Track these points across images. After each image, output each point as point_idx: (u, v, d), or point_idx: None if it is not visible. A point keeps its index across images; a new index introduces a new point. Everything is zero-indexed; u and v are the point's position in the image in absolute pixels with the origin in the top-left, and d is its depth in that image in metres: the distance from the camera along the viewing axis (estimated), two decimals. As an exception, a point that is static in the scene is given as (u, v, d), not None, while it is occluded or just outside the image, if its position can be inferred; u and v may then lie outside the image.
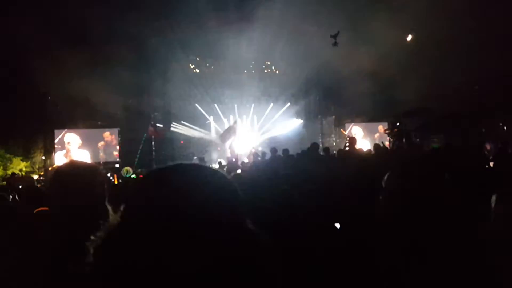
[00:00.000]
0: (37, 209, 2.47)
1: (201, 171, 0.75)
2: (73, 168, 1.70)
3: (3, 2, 16.49)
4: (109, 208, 1.66)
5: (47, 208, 2.08)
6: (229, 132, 18.16)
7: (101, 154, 19.72)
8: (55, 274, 1.41)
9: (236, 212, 0.73)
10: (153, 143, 21.03)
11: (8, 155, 17.70)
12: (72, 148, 19.49)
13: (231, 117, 22.18)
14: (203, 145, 22.11)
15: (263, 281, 0.69)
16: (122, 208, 0.74)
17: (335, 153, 11.37)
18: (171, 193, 0.69)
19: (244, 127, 22.03)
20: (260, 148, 16.67)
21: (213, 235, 0.66)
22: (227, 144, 17.62)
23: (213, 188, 0.72)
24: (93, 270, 0.70)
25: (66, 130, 19.81)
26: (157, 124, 21.39)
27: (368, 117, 21.42)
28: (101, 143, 20.22)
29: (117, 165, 18.75)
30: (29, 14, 16.12)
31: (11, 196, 5.31)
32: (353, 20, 17.07)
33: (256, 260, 0.69)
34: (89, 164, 1.74)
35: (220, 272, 0.64)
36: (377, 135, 20.74)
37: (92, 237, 0.78)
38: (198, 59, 21.87)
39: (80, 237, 1.45)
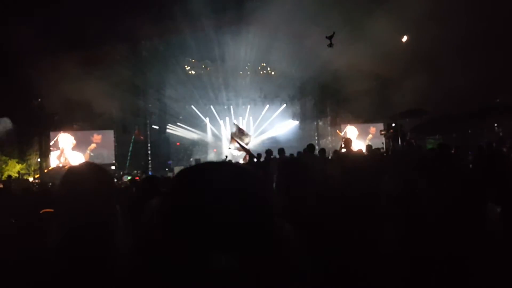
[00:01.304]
0: (43, 210, 2.48)
1: (234, 169, 0.78)
2: (86, 168, 1.72)
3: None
4: (118, 208, 1.69)
5: (52, 210, 2.09)
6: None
7: (91, 154, 19.50)
8: (65, 272, 1.42)
9: (265, 205, 0.76)
10: (149, 145, 21.01)
11: (3, 158, 17.61)
12: (66, 149, 19.40)
13: (227, 118, 22.19)
14: (200, 147, 22.12)
15: (288, 268, 0.73)
16: (158, 205, 0.77)
17: (330, 155, 11.41)
18: (208, 190, 0.72)
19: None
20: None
21: (244, 228, 0.69)
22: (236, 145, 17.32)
23: (246, 183, 0.75)
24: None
25: (61, 132, 19.73)
26: (153, 126, 21.40)
27: (363, 118, 21.48)
28: (92, 145, 20.09)
29: (112, 167, 18.68)
30: (25, 15, 16.07)
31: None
32: (349, 21, 17.12)
33: (283, 249, 0.73)
34: (99, 165, 1.77)
35: (250, 262, 0.67)
36: (369, 136, 20.81)
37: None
38: (193, 61, 21.87)
39: (89, 236, 1.47)
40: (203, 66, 21.97)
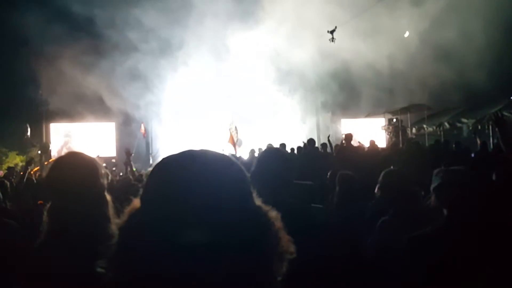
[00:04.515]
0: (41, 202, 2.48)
1: (210, 157, 0.79)
2: (73, 158, 1.70)
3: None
4: (109, 198, 1.67)
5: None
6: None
7: (97, 148, 19.55)
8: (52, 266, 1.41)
9: (245, 193, 0.77)
10: (150, 137, 21.03)
11: (4, 149, 17.62)
12: (69, 141, 19.42)
13: (227, 110, 22.04)
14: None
15: (272, 257, 0.73)
16: (137, 199, 0.78)
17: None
18: (182, 180, 0.72)
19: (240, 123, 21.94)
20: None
21: (224, 218, 0.69)
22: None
23: (222, 173, 0.75)
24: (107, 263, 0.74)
25: (62, 124, 19.76)
26: (154, 118, 21.36)
27: (365, 113, 21.45)
28: (96, 138, 20.17)
29: (113, 160, 18.68)
30: (22, 6, 16.06)
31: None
32: (352, 15, 17.05)
33: (266, 239, 0.73)
34: (88, 155, 1.75)
35: (233, 252, 0.68)
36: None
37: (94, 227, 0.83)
38: (194, 52, 21.73)
39: (78, 227, 1.46)
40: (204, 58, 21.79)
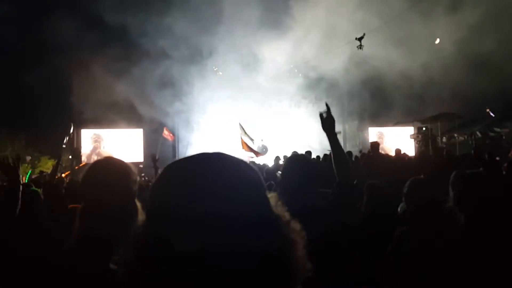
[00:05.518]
0: (71, 205, 2.52)
1: (225, 160, 0.75)
2: (108, 163, 1.73)
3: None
4: (139, 205, 1.69)
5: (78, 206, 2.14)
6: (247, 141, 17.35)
7: (125, 153, 19.96)
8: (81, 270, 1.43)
9: (262, 199, 0.73)
10: (175, 144, 21.26)
11: (36, 154, 18.19)
12: (98, 146, 19.92)
13: (252, 118, 22.11)
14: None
15: (293, 266, 0.70)
16: (147, 204, 0.75)
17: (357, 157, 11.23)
18: (191, 183, 0.69)
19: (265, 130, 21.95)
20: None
21: (239, 224, 0.66)
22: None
23: (237, 177, 0.72)
24: (122, 270, 0.72)
25: (92, 130, 20.27)
26: (181, 126, 21.60)
27: (393, 121, 21.07)
28: (124, 143, 20.58)
29: (140, 166, 18.98)
30: (56, 15, 16.64)
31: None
32: (380, 23, 16.84)
33: (285, 245, 0.70)
34: (122, 161, 1.78)
35: (252, 260, 0.65)
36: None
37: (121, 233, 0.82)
38: (225, 60, 21.96)
39: (107, 230, 1.47)
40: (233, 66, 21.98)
